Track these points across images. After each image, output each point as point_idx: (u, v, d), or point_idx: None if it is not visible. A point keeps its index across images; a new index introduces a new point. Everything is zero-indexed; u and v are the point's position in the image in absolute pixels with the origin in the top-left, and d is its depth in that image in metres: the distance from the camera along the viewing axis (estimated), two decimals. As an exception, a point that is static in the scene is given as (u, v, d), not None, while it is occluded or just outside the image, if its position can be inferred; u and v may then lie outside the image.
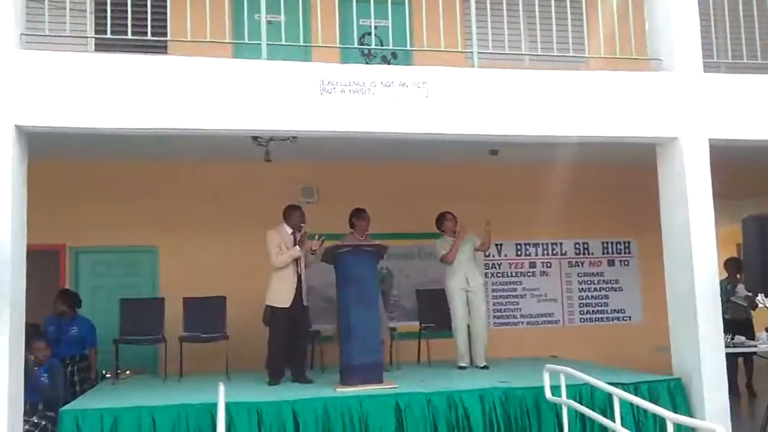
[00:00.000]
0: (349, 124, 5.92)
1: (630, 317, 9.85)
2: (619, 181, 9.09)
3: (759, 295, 8.52)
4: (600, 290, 9.86)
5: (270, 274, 6.79)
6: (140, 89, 5.57)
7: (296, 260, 6.71)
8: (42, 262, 8.30)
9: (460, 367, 7.33)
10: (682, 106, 6.45)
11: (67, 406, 5.53)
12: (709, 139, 6.39)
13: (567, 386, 5.61)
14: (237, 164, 8.68)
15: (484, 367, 7.31)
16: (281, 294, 6.63)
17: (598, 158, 8.71)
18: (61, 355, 7.16)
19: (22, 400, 5.42)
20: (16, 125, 5.29)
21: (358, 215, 7.31)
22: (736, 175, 9.33)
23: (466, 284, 7.54)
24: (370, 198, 8.96)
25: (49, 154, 8.03)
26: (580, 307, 9.76)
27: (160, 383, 6.91)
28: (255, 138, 6.66)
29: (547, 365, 5.74)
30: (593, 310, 9.79)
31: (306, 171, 9.14)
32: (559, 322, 9.67)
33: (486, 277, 9.49)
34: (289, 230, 6.87)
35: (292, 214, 6.90)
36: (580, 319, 9.74)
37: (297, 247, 6.68)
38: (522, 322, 9.56)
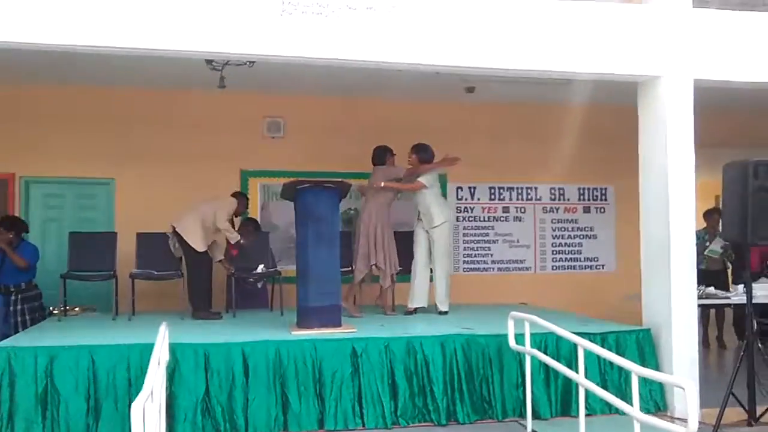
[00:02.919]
0: (310, 49, 5.47)
1: (603, 266, 9.63)
2: (600, 123, 8.74)
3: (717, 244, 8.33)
4: (574, 237, 9.61)
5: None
6: (81, 2, 5.07)
7: None
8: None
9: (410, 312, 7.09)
10: (668, 43, 6.06)
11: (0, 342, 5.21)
12: (695, 80, 6.02)
13: (532, 335, 5.35)
14: (201, 94, 8.26)
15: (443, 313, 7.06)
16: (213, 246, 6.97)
17: (578, 98, 8.34)
18: (4, 283, 6.82)
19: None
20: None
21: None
22: (720, 121, 9.05)
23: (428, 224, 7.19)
24: (340, 135, 8.60)
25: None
26: (553, 254, 9.51)
27: (109, 322, 6.59)
28: (209, 62, 6.20)
29: (512, 312, 5.47)
30: (566, 258, 9.55)
31: (273, 104, 8.71)
32: (531, 269, 9.43)
33: (457, 221, 9.22)
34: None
35: (241, 201, 7.40)
36: (553, 266, 9.51)
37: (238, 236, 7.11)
38: (493, 268, 9.31)
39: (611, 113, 8.03)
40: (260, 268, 7.10)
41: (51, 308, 6.92)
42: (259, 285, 7.85)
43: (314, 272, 5.78)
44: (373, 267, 6.93)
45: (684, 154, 5.96)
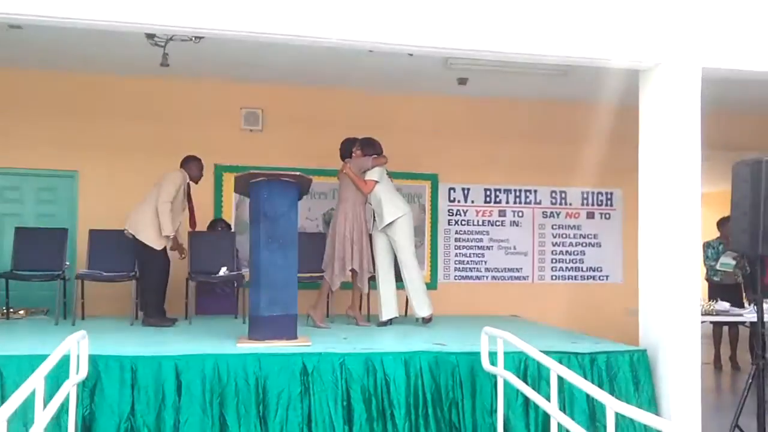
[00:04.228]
0: (262, 24, 4.83)
1: (607, 276, 8.90)
2: (605, 121, 8.01)
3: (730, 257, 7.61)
4: (576, 245, 8.89)
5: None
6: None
7: (190, 209, 6.49)
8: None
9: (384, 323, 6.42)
10: (672, 26, 5.36)
11: None
12: (703, 69, 5.31)
13: (512, 354, 4.69)
14: (176, 81, 7.69)
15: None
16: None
17: (580, 92, 7.68)
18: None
19: None
20: None
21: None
22: (745, 122, 8.33)
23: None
24: (322, 128, 7.97)
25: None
26: (552, 262, 8.81)
27: (49, 327, 5.99)
28: (150, 36, 5.59)
29: (485, 328, 4.79)
30: (567, 267, 8.84)
31: (251, 94, 8.11)
32: (528, 278, 8.73)
33: (449, 225, 8.57)
34: (187, 180, 6.39)
35: (194, 162, 6.53)
36: (552, 276, 8.80)
37: (176, 233, 6.31)
38: (486, 277, 8.62)
39: (619, 111, 7.32)
40: (222, 270, 6.49)
41: (-7, 310, 6.33)
42: (227, 289, 7.24)
43: (266, 277, 5.13)
44: (349, 272, 6.29)
45: (689, 152, 5.25)
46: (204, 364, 4.60)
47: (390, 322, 6.43)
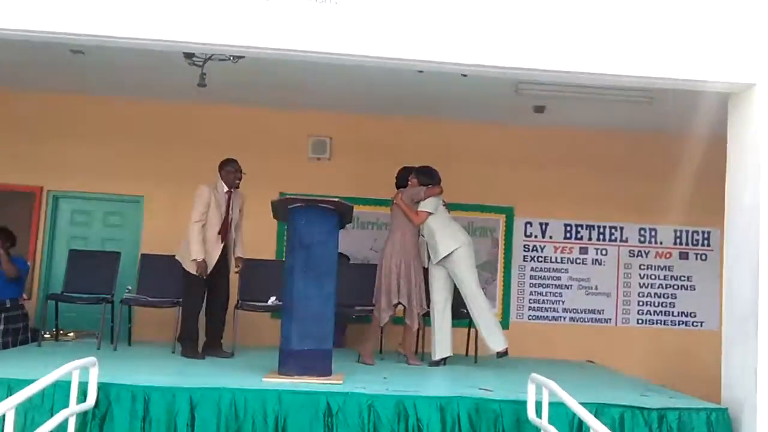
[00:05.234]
0: (304, 41, 4.59)
1: (702, 323, 8.02)
2: (697, 153, 7.25)
3: None
4: (666, 287, 8.08)
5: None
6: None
7: (226, 220, 5.90)
8: (17, 203, 7.54)
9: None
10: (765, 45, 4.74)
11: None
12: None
13: (557, 404, 4.13)
14: (242, 109, 7.62)
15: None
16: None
17: (667, 121, 7.00)
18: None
19: None
20: None
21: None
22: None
23: None
24: (392, 158, 7.56)
25: (24, 84, 7.25)
26: (639, 305, 8.03)
27: (92, 350, 5.81)
28: (189, 56, 5.43)
29: (532, 375, 4.26)
30: (655, 311, 8.03)
31: (318, 121, 7.89)
32: (611, 321, 7.98)
33: (524, 261, 7.99)
34: (225, 188, 5.96)
35: (225, 167, 6.01)
36: (638, 320, 8.01)
37: (201, 256, 5.73)
38: (563, 318, 7.94)
39: (712, 143, 6.58)
40: (271, 300, 6.18)
41: (43, 332, 6.24)
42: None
43: (299, 309, 4.80)
44: (396, 307, 5.87)
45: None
46: (221, 398, 4.29)
47: (444, 361, 5.93)
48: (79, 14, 4.52)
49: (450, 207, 6.51)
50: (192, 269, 5.71)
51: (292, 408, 4.29)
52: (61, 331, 6.35)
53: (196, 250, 5.69)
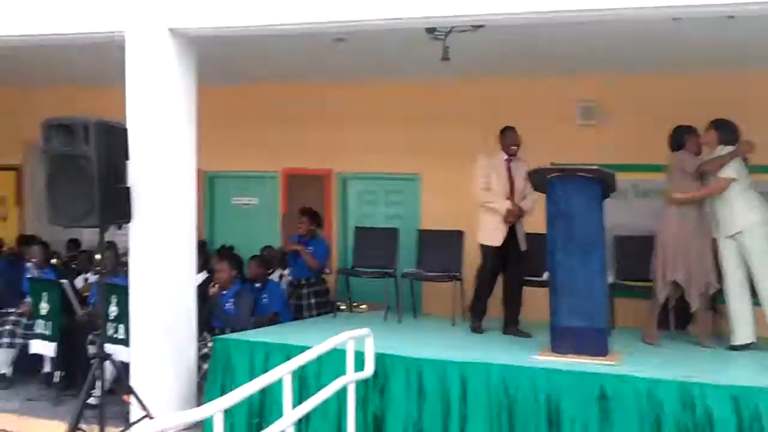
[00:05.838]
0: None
1: None
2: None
3: None
4: None
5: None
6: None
7: (511, 189, 5.61)
8: (309, 186, 8.24)
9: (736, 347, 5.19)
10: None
11: (235, 334, 5.17)
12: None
13: None
14: (508, 80, 7.48)
15: None
16: (489, 230, 5.55)
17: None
18: (296, 275, 6.95)
19: (194, 322, 5.15)
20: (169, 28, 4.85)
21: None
22: None
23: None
24: (670, 120, 6.97)
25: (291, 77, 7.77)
26: None
27: (379, 322, 6.09)
28: (430, 30, 5.33)
29: None
30: None
31: (586, 86, 7.46)
32: None
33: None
34: (504, 156, 5.70)
35: (502, 133, 5.75)
36: None
37: (508, 202, 5.52)
38: None
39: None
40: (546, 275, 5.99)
41: (338, 304, 6.74)
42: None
43: (564, 284, 4.61)
44: (674, 284, 5.30)
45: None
46: (489, 374, 4.29)
47: (747, 347, 5.23)
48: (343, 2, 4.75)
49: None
50: (486, 240, 5.57)
51: (563, 389, 4.14)
52: (355, 303, 6.80)
53: (497, 204, 5.51)
